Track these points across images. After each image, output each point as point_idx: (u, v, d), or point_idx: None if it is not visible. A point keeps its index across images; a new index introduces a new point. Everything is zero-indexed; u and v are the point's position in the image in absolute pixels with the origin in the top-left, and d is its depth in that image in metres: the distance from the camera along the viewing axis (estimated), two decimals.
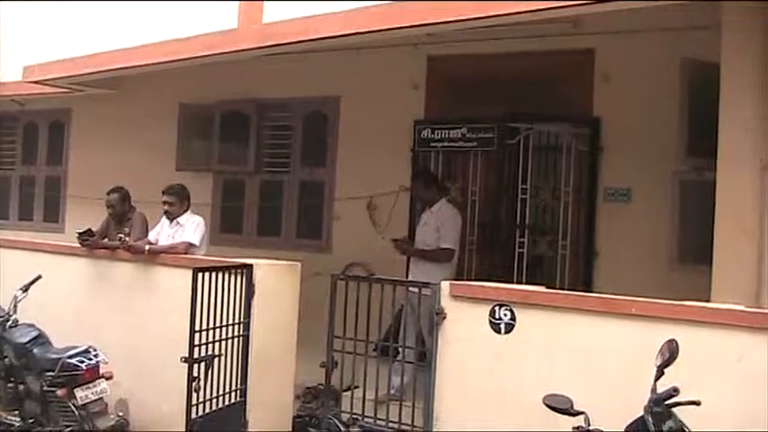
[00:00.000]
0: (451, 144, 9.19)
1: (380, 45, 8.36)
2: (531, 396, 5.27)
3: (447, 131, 9.18)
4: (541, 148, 8.73)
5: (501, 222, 8.81)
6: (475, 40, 8.43)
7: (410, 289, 7.21)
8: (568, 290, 7.27)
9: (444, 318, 6.29)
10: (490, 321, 6.00)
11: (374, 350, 7.23)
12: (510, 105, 8.76)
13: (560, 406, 4.75)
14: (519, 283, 7.96)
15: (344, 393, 7.55)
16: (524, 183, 8.59)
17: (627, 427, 4.55)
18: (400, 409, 6.59)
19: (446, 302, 6.31)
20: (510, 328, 5.93)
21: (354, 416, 7.05)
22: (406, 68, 9.49)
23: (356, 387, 7.31)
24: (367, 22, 7.10)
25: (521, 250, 8.61)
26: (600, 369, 5.32)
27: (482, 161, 9.03)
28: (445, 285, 6.38)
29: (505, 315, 5.95)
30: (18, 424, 8.18)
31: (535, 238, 8.80)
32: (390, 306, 7.17)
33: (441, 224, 8.45)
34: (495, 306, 5.99)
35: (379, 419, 6.76)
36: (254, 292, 7.33)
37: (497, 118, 8.75)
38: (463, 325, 6.21)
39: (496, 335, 5.98)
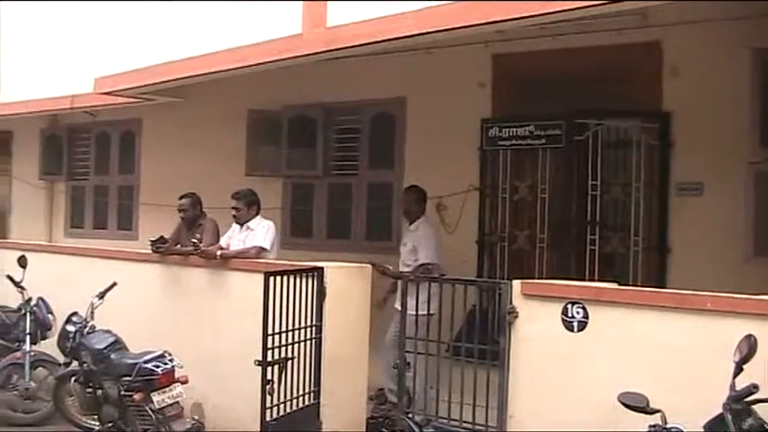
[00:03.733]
0: (519, 142, 9.12)
1: (445, 44, 8.34)
2: (605, 394, 5.20)
3: (515, 129, 9.12)
4: (610, 143, 8.62)
5: (571, 220, 8.72)
6: (540, 37, 8.36)
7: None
8: (641, 287, 7.17)
9: (516, 316, 6.25)
10: (563, 319, 5.95)
11: (446, 350, 7.22)
12: (577, 101, 8.67)
13: (636, 404, 4.68)
14: (591, 280, 7.87)
15: (418, 394, 7.54)
16: (594, 179, 8.49)
17: (705, 426, 4.47)
18: (473, 409, 6.55)
19: (518, 301, 6.27)
20: (583, 325, 5.86)
21: (428, 416, 7.03)
22: (471, 67, 9.44)
23: (430, 388, 7.29)
24: (432, 23, 7.08)
25: (592, 247, 8.52)
26: (675, 366, 5.23)
27: (551, 158, 8.95)
28: (516, 284, 6.33)
29: (578, 313, 5.89)
30: (97, 428, 8.34)
31: (606, 235, 8.68)
32: (462, 306, 7.15)
33: (418, 243, 8.69)
34: (567, 304, 5.93)
35: (453, 420, 6.73)
36: (325, 295, 7.36)
37: (565, 114, 8.67)
38: (535, 323, 6.16)
39: (569, 333, 5.91)
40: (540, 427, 6.00)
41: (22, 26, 13.33)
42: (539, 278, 7.99)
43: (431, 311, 7.10)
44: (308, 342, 7.20)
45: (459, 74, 9.51)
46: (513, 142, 9.17)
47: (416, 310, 7.01)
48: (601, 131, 8.50)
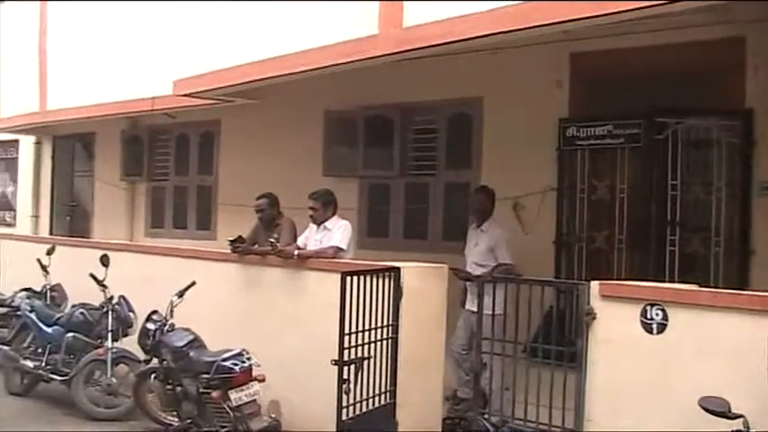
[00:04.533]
0: (598, 142, 9.03)
1: (522, 43, 8.28)
2: (685, 398, 5.13)
3: (592, 129, 9.03)
4: (691, 142, 8.47)
5: (650, 220, 8.60)
6: (618, 35, 8.25)
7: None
8: (723, 289, 7.03)
9: (594, 318, 6.19)
10: (641, 321, 5.87)
11: (523, 351, 7.17)
12: (656, 100, 8.55)
13: (717, 409, 4.61)
14: (670, 281, 7.75)
15: (494, 395, 7.50)
16: (674, 179, 8.37)
17: None
18: (550, 411, 6.51)
19: (596, 302, 6.20)
20: (662, 328, 5.78)
21: (504, 418, 7.00)
22: (548, 66, 9.36)
23: (506, 389, 7.25)
24: (508, 22, 7.04)
25: (672, 248, 8.39)
26: (757, 370, 5.12)
27: (629, 158, 8.83)
28: (594, 285, 6.27)
29: (657, 315, 5.81)
30: (176, 424, 8.48)
31: (687, 236, 8.54)
32: (539, 307, 7.10)
33: (495, 243, 8.70)
34: (646, 306, 5.86)
35: (529, 421, 6.69)
36: (401, 295, 7.35)
37: (644, 113, 8.56)
38: (613, 325, 6.10)
39: (648, 335, 5.84)
40: (618, 429, 5.93)
41: (104, 29, 13.56)
42: (617, 279, 7.88)
43: (498, 311, 7.07)
44: (384, 342, 7.20)
45: (537, 73, 9.44)
46: (592, 142, 9.08)
47: (493, 311, 6.99)
48: (681, 130, 8.37)
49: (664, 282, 7.50)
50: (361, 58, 8.47)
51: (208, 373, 7.80)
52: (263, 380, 7.87)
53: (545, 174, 9.38)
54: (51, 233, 17.24)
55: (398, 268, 7.42)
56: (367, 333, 6.95)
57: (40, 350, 10.45)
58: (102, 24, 13.64)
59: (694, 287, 6.15)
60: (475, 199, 9.23)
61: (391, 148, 10.71)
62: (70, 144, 17.35)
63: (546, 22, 6.80)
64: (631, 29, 7.85)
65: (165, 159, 14.74)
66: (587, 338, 6.23)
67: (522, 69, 9.42)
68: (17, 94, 16.04)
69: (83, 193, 17.00)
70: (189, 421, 8.19)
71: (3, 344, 11.28)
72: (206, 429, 7.96)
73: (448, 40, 7.59)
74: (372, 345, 7.02)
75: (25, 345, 10.84)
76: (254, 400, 7.79)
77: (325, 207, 9.02)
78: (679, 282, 7.47)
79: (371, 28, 8.34)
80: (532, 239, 9.33)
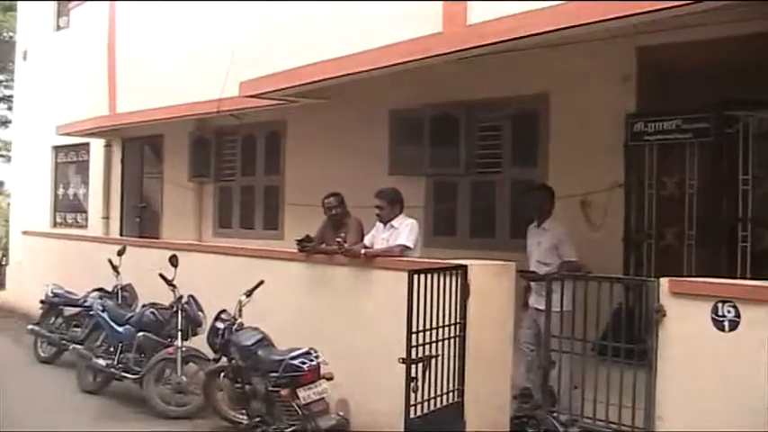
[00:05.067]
0: (666, 137, 8.89)
1: (588, 38, 8.20)
2: (757, 397, 5.05)
3: (661, 124, 8.89)
4: (762, 135, 8.31)
5: (721, 216, 8.47)
6: (685, 27, 8.11)
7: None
8: None
9: (664, 315, 6.12)
10: (713, 319, 5.80)
11: (592, 349, 7.12)
12: (726, 93, 8.40)
13: None
14: (743, 278, 7.63)
15: (563, 393, 7.46)
16: (745, 173, 8.23)
17: None
18: (620, 409, 6.45)
19: (665, 299, 6.13)
20: (734, 325, 5.70)
21: (573, 416, 6.95)
22: (614, 60, 9.24)
23: (575, 387, 7.20)
24: (574, 17, 6.98)
25: (744, 244, 8.25)
26: None
27: (699, 153, 8.70)
28: (664, 282, 6.20)
29: (729, 312, 5.72)
30: (245, 422, 8.56)
31: (759, 232, 8.38)
32: (608, 304, 7.03)
33: (558, 240, 8.68)
34: (717, 303, 5.78)
35: (599, 420, 6.64)
36: (469, 293, 7.34)
37: (714, 107, 8.42)
38: (684, 323, 6.02)
39: (719, 333, 5.76)
40: (689, 428, 5.86)
41: (172, 31, 13.72)
42: (687, 276, 7.77)
43: (566, 308, 7.03)
44: (452, 340, 7.19)
45: (603, 68, 9.34)
46: (660, 137, 8.95)
47: (561, 308, 6.95)
48: (752, 123, 8.23)
49: (735, 279, 7.38)
50: (426, 57, 8.46)
51: (276, 372, 7.87)
52: (331, 378, 7.91)
53: (612, 170, 9.27)
54: (122, 234, 17.49)
55: (465, 266, 7.41)
56: (434, 331, 6.95)
57: (111, 349, 10.66)
58: (170, 26, 13.81)
59: (767, 284, 6.04)
60: (535, 197, 9.19)
61: (457, 146, 10.67)
62: (139, 146, 17.58)
63: (611, 17, 6.74)
64: (699, 21, 7.71)
65: (232, 160, 14.85)
66: (657, 336, 6.17)
67: (588, 64, 9.32)
68: (88, 98, 16.31)
69: (152, 194, 17.22)
70: (258, 419, 8.28)
71: (76, 343, 11.54)
72: (275, 427, 8.04)
73: (512, 37, 7.55)
74: (440, 343, 7.02)
75: (98, 344, 11.07)
76: (323, 399, 7.84)
77: (391, 206, 9.04)
78: (752, 279, 7.35)
79: (436, 26, 8.33)
80: (600, 237, 9.24)
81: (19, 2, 24.30)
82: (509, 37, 7.57)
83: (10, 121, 39.21)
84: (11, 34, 35.83)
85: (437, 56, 8.39)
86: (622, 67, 9.22)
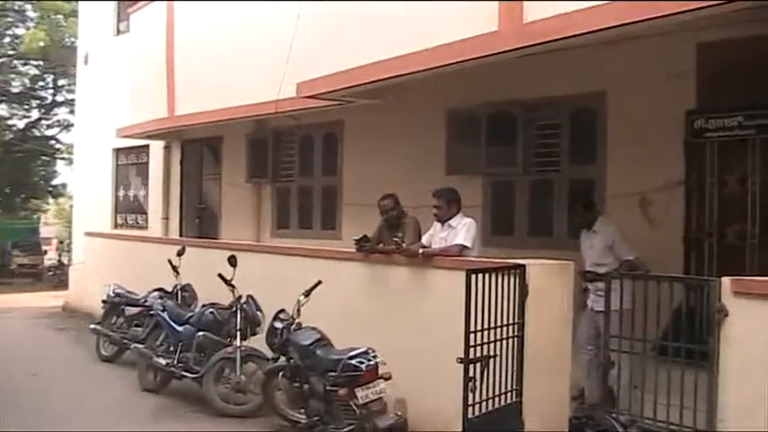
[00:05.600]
0: (727, 133, 8.76)
1: (646, 35, 8.11)
2: None
3: (722, 120, 8.76)
4: None
5: None
6: (748, 22, 7.99)
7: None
8: None
9: (726, 315, 6.02)
10: None
11: (652, 350, 7.04)
12: None
13: None
14: None
15: (622, 394, 7.39)
16: None
17: None
18: (681, 411, 6.36)
19: (727, 299, 6.03)
20: None
21: (633, 417, 6.88)
22: (673, 57, 9.10)
23: (635, 387, 7.12)
24: (632, 13, 6.91)
25: None
26: None
27: (761, 149, 8.56)
28: (726, 282, 6.10)
29: None
30: (304, 421, 8.60)
31: None
32: (668, 304, 6.94)
33: (612, 241, 8.70)
34: None
35: (659, 421, 6.55)
36: (527, 293, 7.30)
37: None
38: (746, 323, 5.91)
39: None
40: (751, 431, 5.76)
41: (229, 32, 13.82)
42: (750, 276, 7.64)
43: (626, 306, 6.96)
44: (510, 340, 7.17)
45: (662, 64, 9.21)
46: (721, 134, 8.82)
47: (621, 307, 6.88)
48: None
49: None
50: (483, 55, 8.42)
51: (334, 371, 7.90)
52: (389, 378, 7.92)
53: (672, 168, 9.16)
54: (181, 235, 17.68)
55: (524, 266, 7.37)
56: (492, 331, 6.93)
57: (171, 348, 10.77)
58: (227, 28, 13.90)
59: None
60: (575, 213, 9.25)
61: (514, 145, 10.60)
62: (198, 148, 17.75)
63: (671, 12, 6.65)
64: (761, 15, 7.58)
65: (290, 161, 14.92)
66: (719, 337, 6.07)
67: (647, 61, 9.20)
68: (147, 101, 16.50)
69: (210, 195, 17.38)
70: (316, 419, 8.31)
71: (137, 342, 11.69)
72: (333, 427, 8.07)
73: (570, 34, 7.49)
74: (498, 343, 7.00)
75: (158, 343, 11.20)
76: (381, 398, 7.85)
77: (448, 205, 9.03)
78: None
79: (492, 24, 8.29)
80: (660, 236, 9.13)
81: (81, 6, 24.65)
82: (566, 35, 7.51)
83: (72, 125, 39.83)
84: (72, 39, 36.40)
85: (494, 54, 8.35)
86: (682, 63, 9.09)
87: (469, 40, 8.45)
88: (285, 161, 14.99)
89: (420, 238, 9.29)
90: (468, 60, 8.60)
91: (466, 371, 6.65)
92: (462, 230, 8.81)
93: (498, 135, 10.78)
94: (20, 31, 45.80)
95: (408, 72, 9.36)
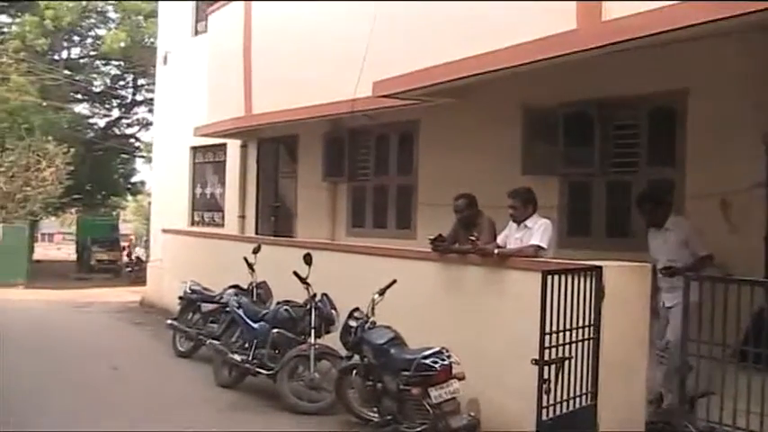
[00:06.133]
0: None
1: (729, 31, 7.93)
2: None
3: None
4: None
5: None
6: None
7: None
8: None
9: None
10: None
11: (731, 355, 6.91)
12: None
13: None
14: None
15: (700, 399, 7.27)
16: None
17: None
18: (761, 418, 6.24)
19: None
20: None
21: (711, 424, 6.76)
22: (757, 54, 8.90)
23: (712, 393, 7.00)
24: (714, 10, 6.77)
25: None
26: None
27: None
28: None
29: None
30: (376, 420, 8.61)
31: None
32: (748, 308, 6.81)
33: (687, 236, 8.54)
34: None
35: (738, 428, 6.43)
36: (603, 295, 7.22)
37: None
38: None
39: None
40: None
41: (305, 32, 13.90)
42: None
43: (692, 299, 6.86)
44: (585, 342, 7.11)
45: (744, 62, 8.99)
46: None
47: (700, 307, 6.78)
48: None
49: None
50: (561, 54, 8.34)
51: (408, 371, 7.90)
52: (462, 378, 7.90)
53: (754, 168, 8.95)
54: (257, 233, 17.81)
55: (600, 267, 7.30)
56: (567, 333, 6.88)
57: (246, 345, 10.87)
58: (304, 27, 13.97)
59: None
60: (645, 211, 9.06)
61: (591, 144, 10.47)
62: (274, 146, 17.88)
63: (754, 9, 6.51)
64: None
65: (366, 160, 14.94)
66: None
67: (729, 58, 9.00)
68: (224, 100, 16.67)
69: (286, 193, 17.49)
70: (389, 417, 8.32)
71: (213, 338, 11.81)
72: (405, 426, 8.07)
73: (649, 32, 7.37)
74: (573, 345, 6.94)
75: (233, 339, 11.32)
76: (454, 398, 7.83)
77: (524, 205, 8.99)
78: None
79: (570, 23, 8.21)
80: (740, 238, 8.94)
81: (160, 7, 25.03)
82: (645, 32, 7.40)
83: (151, 124, 40.48)
84: (152, 40, 37.06)
85: (572, 53, 8.27)
86: (766, 60, 8.87)
87: (547, 38, 8.38)
88: (360, 160, 15.02)
89: (495, 239, 9.26)
90: (545, 59, 8.53)
91: (540, 372, 6.61)
92: (538, 231, 8.76)
93: (575, 134, 10.65)
94: (101, 32, 46.77)
95: (484, 71, 9.31)
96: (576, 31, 8.17)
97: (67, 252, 60.81)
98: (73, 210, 54.50)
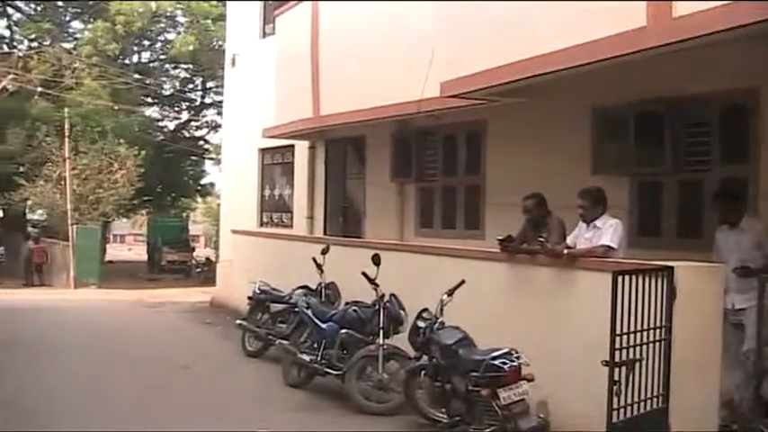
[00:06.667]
0: None
1: None
2: None
3: None
4: None
5: None
6: None
7: None
8: None
9: None
10: None
11: None
12: None
13: None
14: None
15: None
16: None
17: None
18: None
19: None
20: None
21: None
22: None
23: None
24: None
25: None
26: None
27: None
28: None
29: None
30: (445, 421, 8.60)
31: None
32: None
33: (760, 237, 8.38)
34: None
35: None
36: (675, 296, 7.13)
37: None
38: None
39: None
40: None
41: (372, 32, 13.93)
42: None
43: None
44: (657, 344, 7.02)
45: None
46: None
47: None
48: None
49: None
50: (630, 52, 8.24)
51: (477, 372, 7.87)
52: (531, 379, 7.85)
53: None
54: (325, 233, 17.89)
55: (672, 268, 7.20)
56: (638, 334, 6.80)
57: (315, 345, 10.94)
58: (371, 28, 14.01)
59: None
60: (723, 206, 8.88)
61: (662, 144, 10.32)
62: (342, 147, 17.94)
63: None
64: None
65: (433, 160, 14.91)
66: None
67: None
68: (292, 101, 16.78)
69: (355, 194, 17.54)
70: (457, 418, 8.30)
71: (282, 338, 11.91)
72: (474, 427, 8.04)
73: (722, 29, 7.24)
74: (644, 346, 6.87)
75: (302, 339, 11.41)
76: (523, 400, 7.79)
77: (594, 205, 8.92)
78: None
79: (639, 20, 8.10)
80: None
81: (228, 10, 25.28)
82: (718, 29, 7.27)
83: (219, 126, 40.96)
84: (220, 43, 37.51)
85: (641, 51, 8.16)
86: None
87: (616, 36, 8.29)
88: (428, 160, 14.99)
89: (565, 239, 9.19)
90: (614, 58, 8.43)
91: (611, 374, 6.55)
92: (608, 231, 8.68)
93: (646, 133, 10.51)
94: (171, 36, 47.51)
95: (552, 70, 9.24)
96: (645, 29, 8.06)
97: (138, 253, 61.92)
98: (144, 211, 55.53)
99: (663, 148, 10.30)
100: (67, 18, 47.98)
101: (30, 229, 45.31)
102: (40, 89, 37.86)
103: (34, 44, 43.36)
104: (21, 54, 37.65)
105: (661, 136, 10.30)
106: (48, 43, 41.53)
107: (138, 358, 13.39)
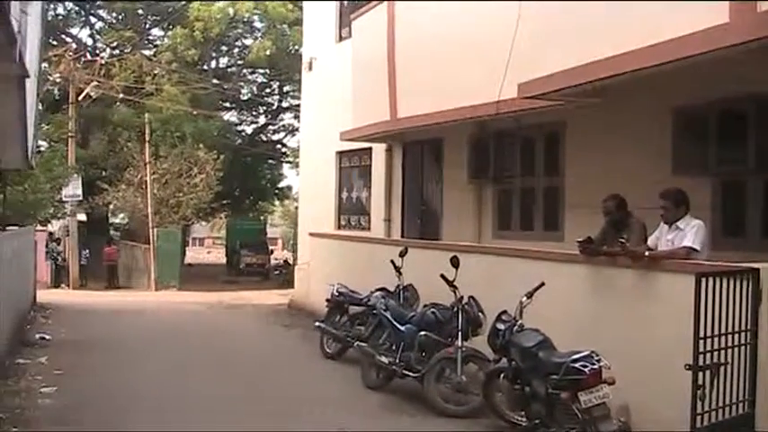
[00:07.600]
0: None
1: None
2: None
3: None
4: None
5: None
6: None
7: None
8: None
9: None
10: None
11: None
12: None
13: None
14: None
15: None
16: None
17: None
18: None
19: None
20: None
21: None
22: None
23: None
24: None
25: None
26: None
27: None
28: None
29: None
30: (524, 424, 8.55)
31: None
32: None
33: None
34: None
35: None
36: (761, 298, 6.98)
37: None
38: None
39: None
40: None
41: (449, 34, 13.91)
42: None
43: None
44: (742, 347, 6.88)
45: None
46: None
47: None
48: None
49: None
50: (712, 49, 8.09)
51: (557, 374, 7.81)
52: (612, 383, 7.75)
53: None
54: (403, 236, 17.89)
55: (757, 269, 7.06)
56: (723, 338, 6.68)
57: (394, 347, 10.97)
58: (447, 30, 13.98)
59: None
60: None
61: (746, 142, 10.13)
62: (419, 149, 17.93)
63: None
64: None
65: (511, 161, 14.82)
66: None
67: None
68: (369, 104, 16.83)
69: (432, 196, 17.51)
70: (537, 422, 8.24)
71: (360, 340, 11.96)
72: (554, 431, 7.98)
73: None
74: (728, 350, 6.75)
75: (380, 342, 11.44)
76: (604, 403, 7.69)
77: (676, 206, 8.79)
78: None
79: (722, 16, 7.95)
80: None
81: (305, 14, 25.45)
82: None
83: (297, 129, 41.31)
84: (296, 47, 37.84)
85: (724, 48, 8.01)
86: None
87: (697, 33, 8.15)
88: (506, 162, 14.90)
89: (645, 240, 9.07)
90: (695, 56, 8.29)
91: (695, 378, 6.46)
92: (690, 232, 8.55)
93: (728, 132, 10.33)
94: (248, 41, 48.07)
95: (632, 69, 9.12)
96: (728, 25, 7.91)
97: (217, 255, 62.76)
98: (222, 214, 56.26)
99: (746, 146, 10.11)
100: (147, 26, 48.89)
101: (112, 232, 46.25)
102: (121, 95, 38.59)
103: (116, 52, 44.22)
104: (103, 62, 38.36)
105: (744, 134, 10.11)
106: (129, 51, 42.30)
107: (219, 359, 13.58)
